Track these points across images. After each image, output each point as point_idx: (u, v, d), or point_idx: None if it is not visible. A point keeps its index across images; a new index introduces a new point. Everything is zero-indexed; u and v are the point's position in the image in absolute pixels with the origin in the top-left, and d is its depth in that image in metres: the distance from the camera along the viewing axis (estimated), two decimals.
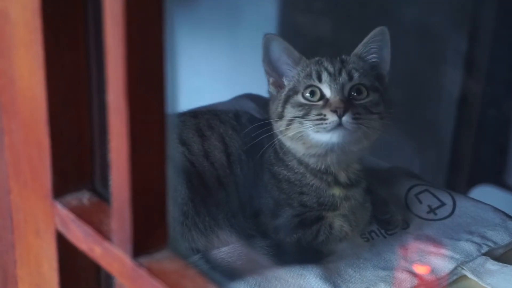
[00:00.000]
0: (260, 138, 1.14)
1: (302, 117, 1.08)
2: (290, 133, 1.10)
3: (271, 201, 1.14)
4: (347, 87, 1.08)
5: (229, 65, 1.91)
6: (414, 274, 1.08)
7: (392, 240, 1.17)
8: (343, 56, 1.13)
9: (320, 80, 1.09)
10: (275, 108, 1.13)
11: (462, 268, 1.10)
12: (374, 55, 1.13)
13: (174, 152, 1.11)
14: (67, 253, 0.64)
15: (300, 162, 1.13)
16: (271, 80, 1.15)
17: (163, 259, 0.56)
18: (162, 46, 0.52)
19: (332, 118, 1.05)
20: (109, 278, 0.64)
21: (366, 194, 1.19)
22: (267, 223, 1.14)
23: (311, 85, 1.09)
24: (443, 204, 1.25)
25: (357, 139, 1.09)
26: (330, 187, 1.14)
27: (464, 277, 1.10)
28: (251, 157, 1.16)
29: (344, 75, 1.09)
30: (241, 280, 1.06)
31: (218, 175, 1.14)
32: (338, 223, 1.15)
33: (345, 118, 1.05)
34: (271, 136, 1.14)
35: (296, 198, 1.14)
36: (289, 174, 1.14)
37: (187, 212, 1.09)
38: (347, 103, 1.06)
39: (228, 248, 1.10)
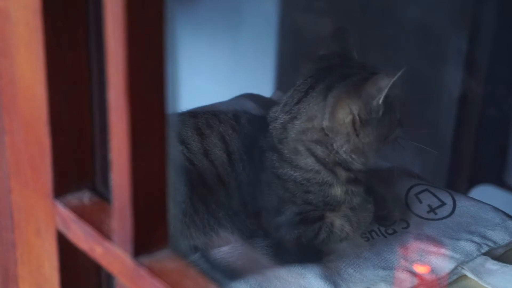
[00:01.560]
0: (259, 138, 1.15)
1: None
2: None
3: (274, 199, 1.14)
4: None
5: (229, 65, 1.91)
6: (414, 274, 1.08)
7: (392, 239, 1.18)
8: None
9: None
10: None
11: (462, 268, 1.10)
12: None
13: (173, 151, 1.11)
14: (68, 253, 0.64)
15: (319, 159, 1.13)
16: None
17: (164, 259, 0.56)
18: (163, 45, 0.52)
19: None
20: (109, 277, 0.64)
21: (368, 195, 1.19)
22: (269, 220, 1.14)
23: None
24: (443, 203, 1.25)
25: None
26: (341, 185, 1.14)
27: (464, 276, 1.10)
28: (252, 157, 1.16)
29: None
30: (241, 280, 1.06)
31: (218, 173, 1.14)
32: (339, 222, 1.15)
33: None
34: (270, 138, 1.14)
35: (301, 196, 1.13)
36: (296, 174, 1.13)
37: (185, 210, 1.09)
38: None
39: (228, 248, 1.10)
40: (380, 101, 1.07)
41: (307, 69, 1.16)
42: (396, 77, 1.05)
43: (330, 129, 1.09)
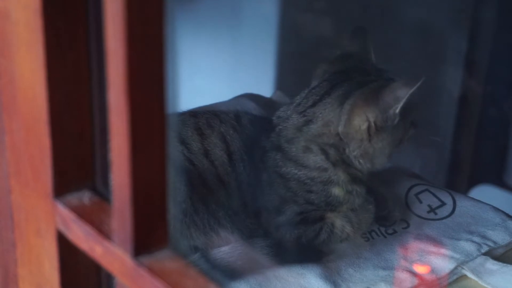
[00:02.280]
0: (261, 139, 1.15)
1: None
2: None
3: (276, 199, 1.14)
4: None
5: (229, 65, 1.91)
6: (414, 274, 1.08)
7: (392, 239, 1.18)
8: None
9: None
10: None
11: (462, 268, 1.10)
12: None
13: (173, 151, 1.11)
14: (68, 253, 0.64)
15: (329, 158, 1.13)
16: None
17: (164, 259, 0.56)
18: (163, 45, 0.52)
19: None
20: (109, 277, 0.64)
21: (369, 195, 1.19)
22: (269, 220, 1.14)
23: None
24: (443, 203, 1.25)
25: None
26: (346, 184, 1.14)
27: (464, 276, 1.10)
28: (253, 157, 1.16)
29: None
30: (241, 280, 1.06)
31: (218, 173, 1.14)
32: (340, 223, 1.15)
33: None
34: (274, 137, 1.14)
35: (303, 195, 1.14)
36: (300, 173, 1.13)
37: (185, 210, 1.09)
38: None
39: (228, 248, 1.10)
40: (397, 111, 1.08)
41: (323, 70, 1.16)
42: (414, 87, 1.06)
43: (345, 135, 1.10)
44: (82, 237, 0.60)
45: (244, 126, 1.18)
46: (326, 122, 1.11)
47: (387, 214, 1.21)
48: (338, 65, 1.16)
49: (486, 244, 1.14)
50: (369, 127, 1.09)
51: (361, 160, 1.12)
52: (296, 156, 1.13)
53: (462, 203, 1.25)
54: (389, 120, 1.09)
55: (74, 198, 0.62)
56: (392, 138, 1.11)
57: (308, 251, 1.13)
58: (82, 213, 0.61)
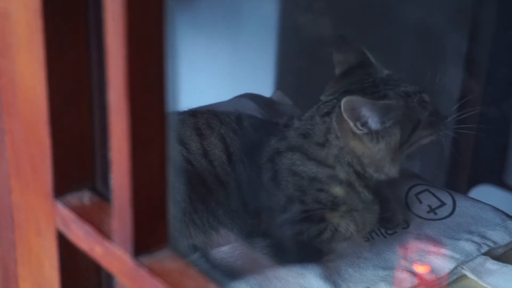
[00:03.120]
0: (271, 141, 1.16)
1: None
2: None
3: (281, 198, 1.14)
4: None
5: (229, 65, 1.91)
6: (414, 274, 1.08)
7: (392, 239, 1.18)
8: None
9: None
10: None
11: (462, 268, 1.10)
12: None
13: (172, 151, 1.11)
14: (68, 252, 0.64)
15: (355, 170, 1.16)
16: None
17: (164, 258, 0.56)
18: (163, 45, 0.52)
19: None
20: (109, 277, 0.64)
21: (374, 196, 1.20)
22: (271, 218, 1.14)
23: None
24: (443, 204, 1.25)
25: None
26: (359, 186, 1.17)
27: (464, 276, 1.10)
28: (254, 158, 1.16)
29: None
30: (241, 280, 1.06)
31: (217, 173, 1.14)
32: (344, 223, 1.15)
33: None
34: (292, 138, 1.15)
35: (312, 194, 1.14)
36: (323, 171, 1.15)
37: (184, 209, 1.09)
38: None
39: (228, 248, 1.10)
40: (352, 124, 1.11)
41: (334, 87, 1.19)
42: (365, 105, 1.09)
43: (356, 153, 1.14)
44: (82, 237, 0.60)
45: (245, 129, 1.19)
46: (336, 136, 1.15)
47: (390, 216, 1.21)
48: (345, 83, 1.18)
49: (486, 244, 1.14)
50: (357, 138, 1.13)
51: (377, 173, 1.16)
52: (325, 157, 1.14)
53: (462, 203, 1.25)
54: (357, 129, 1.12)
55: (74, 198, 0.62)
56: (384, 145, 1.13)
57: (308, 250, 1.13)
58: (82, 213, 0.61)
